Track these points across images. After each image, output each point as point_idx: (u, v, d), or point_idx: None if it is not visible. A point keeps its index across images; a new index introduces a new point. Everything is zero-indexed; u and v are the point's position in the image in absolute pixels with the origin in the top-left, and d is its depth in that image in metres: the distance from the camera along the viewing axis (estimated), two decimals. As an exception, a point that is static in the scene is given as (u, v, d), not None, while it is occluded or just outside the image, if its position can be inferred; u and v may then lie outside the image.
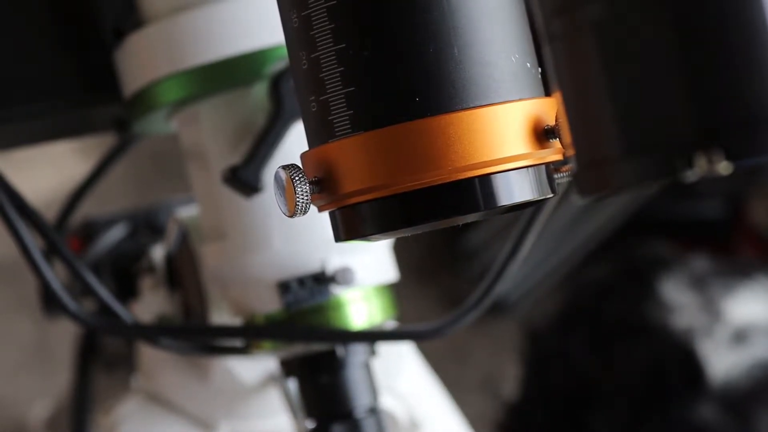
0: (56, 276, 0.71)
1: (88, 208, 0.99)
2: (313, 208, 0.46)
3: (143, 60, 0.69)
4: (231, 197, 0.68)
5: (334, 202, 0.45)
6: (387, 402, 0.80)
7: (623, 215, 1.59)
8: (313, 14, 0.44)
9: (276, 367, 0.77)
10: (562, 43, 0.36)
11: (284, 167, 0.45)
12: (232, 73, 0.67)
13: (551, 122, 0.45)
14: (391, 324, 0.72)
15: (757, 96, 0.33)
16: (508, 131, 0.44)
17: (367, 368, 0.71)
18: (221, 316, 0.77)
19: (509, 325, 1.62)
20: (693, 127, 0.33)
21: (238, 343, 0.73)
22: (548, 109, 0.45)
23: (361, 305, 0.69)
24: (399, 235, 0.47)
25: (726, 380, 1.05)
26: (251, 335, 0.71)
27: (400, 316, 0.74)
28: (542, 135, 0.45)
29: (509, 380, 1.46)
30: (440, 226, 0.46)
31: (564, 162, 0.46)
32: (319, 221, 0.55)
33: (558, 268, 1.62)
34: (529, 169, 0.45)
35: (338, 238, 0.47)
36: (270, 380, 0.81)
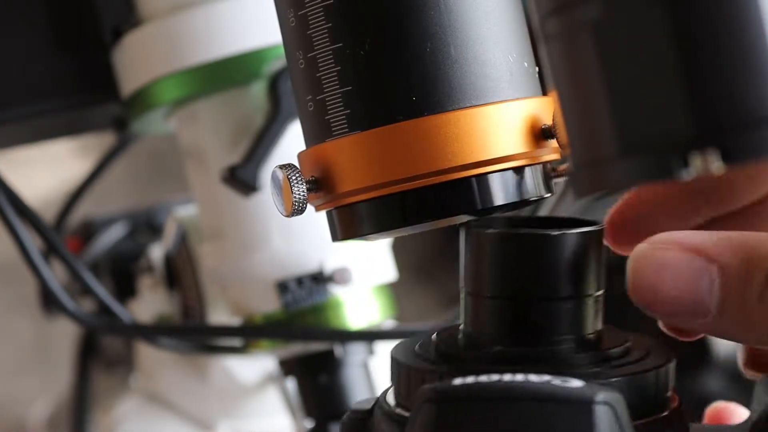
0: (55, 276, 0.71)
1: (87, 208, 0.99)
2: (310, 208, 0.46)
3: (142, 59, 0.69)
4: (230, 197, 0.68)
5: (331, 202, 0.45)
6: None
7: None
8: (309, 13, 0.44)
9: (274, 366, 0.77)
10: (559, 42, 0.36)
11: (281, 167, 0.45)
12: (230, 72, 0.67)
13: (548, 122, 0.45)
14: (389, 323, 0.72)
15: (753, 96, 0.33)
16: (505, 130, 0.44)
17: (366, 368, 0.71)
18: (220, 315, 0.77)
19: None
20: (689, 127, 0.33)
21: (236, 342, 0.73)
22: (545, 108, 0.45)
23: (359, 305, 0.69)
24: (396, 235, 0.47)
25: (731, 352, 1.06)
26: (250, 335, 0.71)
27: (399, 316, 0.74)
28: (539, 134, 0.45)
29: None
30: (438, 225, 0.46)
31: (561, 161, 0.46)
32: (317, 221, 0.55)
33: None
34: (526, 168, 0.45)
35: (335, 237, 0.47)
36: (268, 380, 0.81)
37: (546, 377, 0.38)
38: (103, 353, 1.00)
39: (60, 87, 0.73)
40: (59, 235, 0.89)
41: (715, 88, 0.33)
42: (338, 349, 0.70)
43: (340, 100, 0.44)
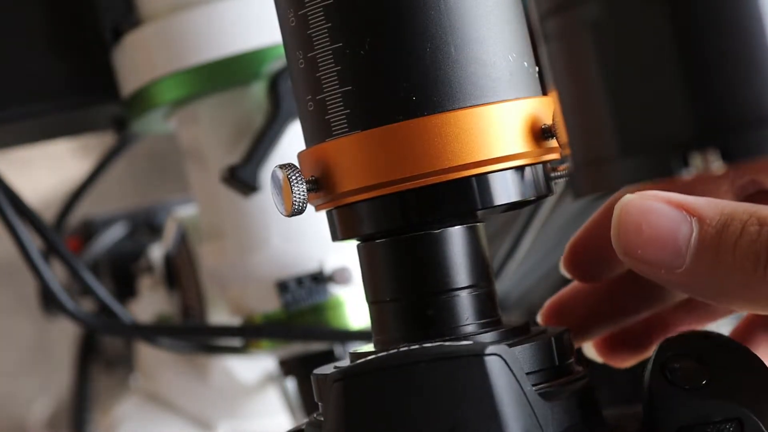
0: (55, 276, 0.71)
1: (87, 208, 0.99)
2: (310, 208, 0.46)
3: (142, 59, 0.69)
4: (229, 197, 0.68)
5: (331, 201, 0.45)
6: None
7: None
8: (309, 13, 0.44)
9: (274, 366, 0.77)
10: (559, 42, 0.36)
11: (281, 166, 0.45)
12: (230, 72, 0.67)
13: (548, 121, 0.45)
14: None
15: (753, 96, 0.33)
16: (505, 130, 0.44)
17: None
18: (220, 315, 0.77)
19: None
20: (689, 126, 0.33)
21: (236, 342, 0.73)
22: (545, 108, 0.45)
23: (359, 305, 0.69)
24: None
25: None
26: (250, 335, 0.71)
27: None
28: (539, 134, 0.45)
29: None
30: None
31: (561, 161, 0.46)
32: (317, 221, 0.55)
33: (557, 267, 1.62)
34: (526, 168, 0.45)
35: (335, 237, 0.47)
36: (268, 380, 0.81)
37: (438, 343, 0.41)
38: (103, 353, 1.00)
39: (60, 87, 0.73)
40: (59, 235, 0.89)
41: (714, 88, 0.33)
42: (338, 349, 0.70)
43: (340, 99, 0.44)
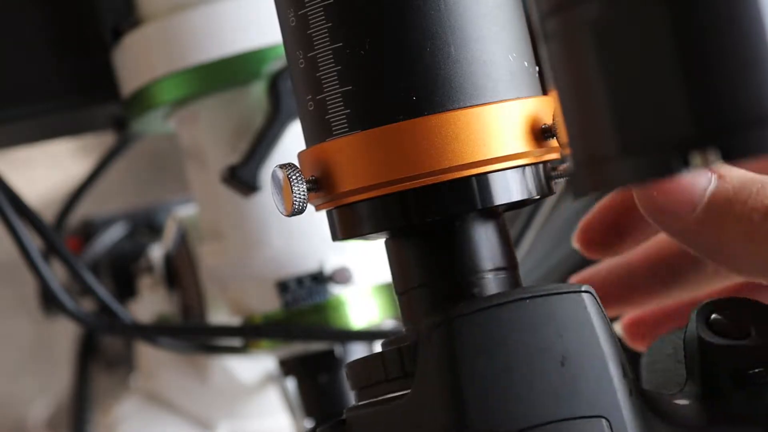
0: (55, 276, 0.71)
1: (87, 208, 0.99)
2: (310, 208, 0.46)
3: (142, 59, 0.69)
4: (229, 197, 0.68)
5: (332, 201, 0.45)
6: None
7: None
8: (309, 13, 0.44)
9: (274, 366, 0.77)
10: (559, 42, 0.36)
11: (281, 166, 0.45)
12: (230, 72, 0.67)
13: (549, 121, 0.45)
14: (389, 323, 0.72)
15: (753, 95, 0.33)
16: (505, 130, 0.44)
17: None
18: (220, 315, 0.77)
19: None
20: (689, 126, 0.34)
21: (236, 342, 0.73)
22: (546, 108, 0.45)
23: (359, 304, 0.69)
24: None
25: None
26: (250, 335, 0.71)
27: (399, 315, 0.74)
28: (540, 134, 0.45)
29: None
30: (438, 224, 0.46)
31: (561, 161, 0.46)
32: (317, 221, 0.55)
33: (557, 267, 1.62)
34: (527, 167, 0.45)
35: (336, 237, 0.47)
36: (269, 380, 0.81)
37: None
38: (103, 353, 1.00)
39: (60, 87, 0.73)
40: (59, 235, 0.89)
41: (715, 87, 0.33)
42: (338, 349, 0.70)
43: (340, 99, 0.44)
